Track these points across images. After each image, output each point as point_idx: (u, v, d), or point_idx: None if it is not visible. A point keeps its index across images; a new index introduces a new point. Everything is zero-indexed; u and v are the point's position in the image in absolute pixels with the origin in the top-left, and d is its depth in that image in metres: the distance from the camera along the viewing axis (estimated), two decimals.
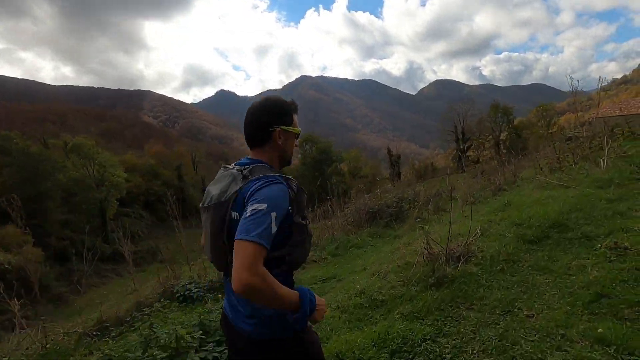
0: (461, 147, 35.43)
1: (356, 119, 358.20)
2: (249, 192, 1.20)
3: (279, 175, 1.26)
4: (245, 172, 1.27)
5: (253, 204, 1.15)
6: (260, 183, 1.21)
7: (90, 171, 31.99)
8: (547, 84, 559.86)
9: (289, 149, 1.41)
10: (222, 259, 1.27)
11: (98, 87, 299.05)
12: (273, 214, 1.15)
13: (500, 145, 31.93)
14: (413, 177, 27.94)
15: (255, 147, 1.38)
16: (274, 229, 1.15)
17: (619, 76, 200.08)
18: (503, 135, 32.92)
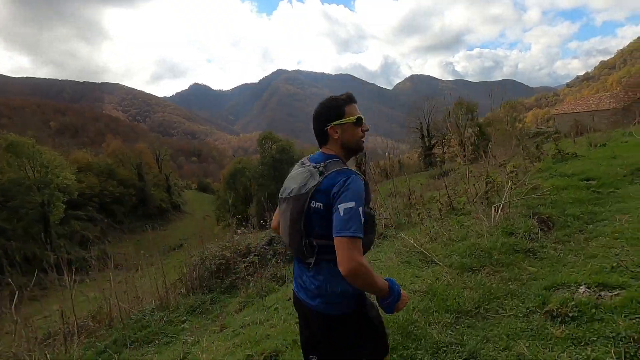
0: (426, 144, 35.30)
1: None
2: (335, 190, 1.35)
3: (354, 171, 1.41)
4: (320, 168, 1.43)
5: (343, 203, 1.31)
6: (343, 179, 1.36)
7: (29, 172, 29.24)
8: (517, 80, 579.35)
9: (350, 138, 1.51)
10: (298, 242, 1.43)
11: (62, 80, 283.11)
12: (360, 209, 1.32)
13: (465, 143, 31.92)
14: (379, 176, 27.43)
15: (322, 145, 1.54)
16: (363, 219, 1.33)
17: (582, 73, 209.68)
18: (467, 132, 32.84)
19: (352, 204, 1.30)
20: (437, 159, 28.84)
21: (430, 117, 36.11)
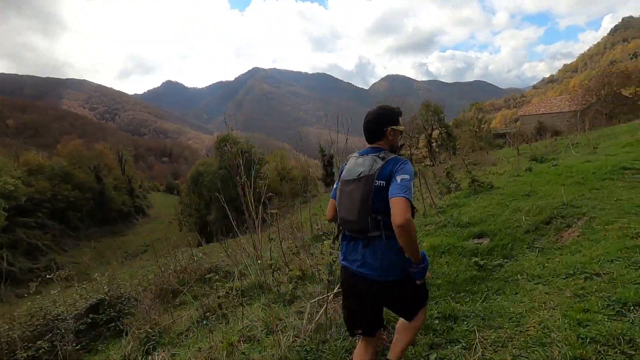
0: None
1: (310, 112, 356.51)
2: (395, 168, 1.75)
3: (405, 158, 1.84)
4: (381, 155, 1.82)
5: (401, 174, 1.72)
6: (401, 162, 1.78)
7: None
8: (488, 81, 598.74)
9: (395, 141, 1.97)
10: (366, 218, 1.76)
11: (23, 75, 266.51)
12: (412, 182, 1.71)
13: (433, 144, 31.92)
14: None
15: (375, 141, 1.94)
16: (413, 190, 1.71)
17: (547, 75, 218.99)
18: (435, 134, 32.91)
19: (407, 177, 1.72)
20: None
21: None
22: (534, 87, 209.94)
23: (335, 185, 2.09)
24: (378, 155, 1.81)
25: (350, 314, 1.98)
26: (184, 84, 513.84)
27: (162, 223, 41.27)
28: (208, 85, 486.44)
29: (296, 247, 4.36)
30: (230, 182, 29.26)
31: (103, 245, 34.57)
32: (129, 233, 41.30)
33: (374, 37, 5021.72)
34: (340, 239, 2.00)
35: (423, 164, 28.25)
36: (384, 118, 1.92)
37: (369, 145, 1.94)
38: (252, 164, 29.98)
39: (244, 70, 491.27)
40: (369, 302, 1.88)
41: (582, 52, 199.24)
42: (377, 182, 1.74)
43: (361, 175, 1.79)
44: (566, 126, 29.71)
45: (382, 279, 1.79)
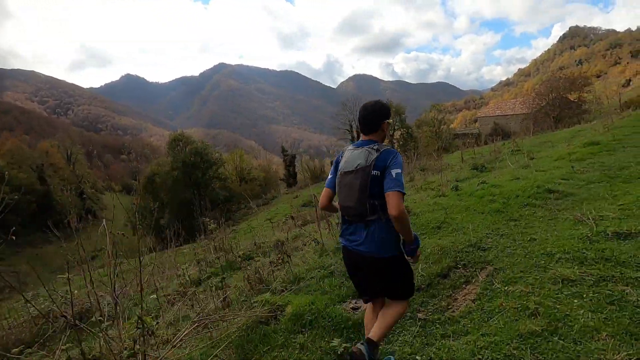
0: None
1: (277, 110, 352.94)
2: (389, 160, 1.97)
3: (396, 150, 2.09)
4: (376, 147, 2.02)
5: (395, 168, 1.94)
6: (393, 154, 2.00)
7: None
8: (450, 83, 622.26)
9: (386, 133, 2.18)
10: (364, 204, 1.99)
11: None
12: (403, 173, 1.97)
13: (395, 145, 32.27)
14: (309, 178, 26.45)
15: (370, 133, 2.14)
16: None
17: (504, 79, 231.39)
18: (397, 135, 33.36)
19: (400, 170, 1.95)
20: None
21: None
22: (492, 89, 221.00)
23: (330, 176, 2.26)
24: (372, 147, 2.02)
25: (357, 284, 2.31)
26: (145, 78, 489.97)
27: (118, 226, 38.85)
28: (171, 80, 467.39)
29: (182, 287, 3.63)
30: (183, 183, 28.00)
31: (46, 253, 31.85)
32: (78, 238, 38.39)
33: (342, 36, 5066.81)
34: (340, 223, 2.26)
35: None
36: (380, 112, 2.12)
37: (363, 138, 2.15)
38: (209, 164, 28.75)
39: (210, 66, 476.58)
40: (369, 275, 2.14)
41: (535, 57, 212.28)
42: (374, 172, 1.96)
43: (359, 167, 1.99)
44: (519, 127, 31.12)
45: (379, 255, 2.03)
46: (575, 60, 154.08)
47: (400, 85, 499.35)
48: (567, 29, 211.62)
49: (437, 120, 35.16)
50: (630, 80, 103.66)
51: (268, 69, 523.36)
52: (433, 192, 6.93)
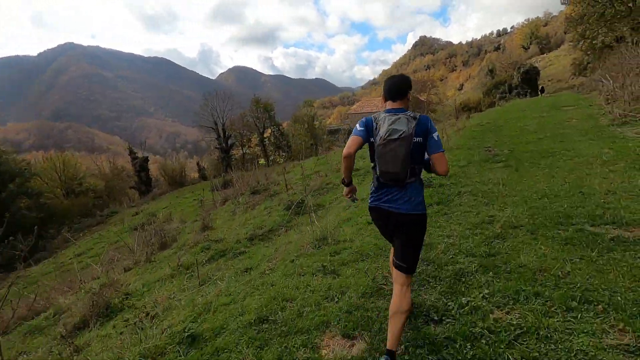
0: (222, 145, 32.07)
1: (148, 101, 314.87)
2: (428, 125, 2.18)
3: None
4: (412, 115, 2.18)
5: (434, 132, 2.17)
6: (429, 120, 2.21)
7: None
8: (327, 79, 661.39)
9: (409, 101, 2.39)
10: (407, 169, 2.16)
11: None
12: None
13: (266, 143, 31.27)
14: (166, 184, 22.97)
15: (398, 99, 2.32)
16: None
17: (371, 78, 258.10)
18: (267, 133, 32.27)
19: (437, 133, 2.20)
20: (238, 161, 26.83)
21: (225, 115, 33.31)
22: (362, 87, 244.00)
23: (361, 128, 2.30)
24: (409, 115, 2.18)
25: (389, 234, 2.45)
26: None
27: None
28: None
29: None
30: None
31: None
32: None
33: (216, 23, 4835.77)
34: (372, 186, 2.43)
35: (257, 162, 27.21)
36: (407, 82, 2.37)
37: (392, 105, 2.32)
38: (9, 177, 21.49)
39: (53, 45, 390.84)
40: (400, 230, 2.31)
41: (395, 60, 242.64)
42: (415, 139, 2.14)
43: (403, 135, 2.12)
44: None
45: (413, 212, 2.24)
46: (425, 65, 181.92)
47: (281, 79, 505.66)
48: (418, 38, 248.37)
49: (310, 116, 35.53)
50: (463, 84, 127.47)
51: (133, 53, 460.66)
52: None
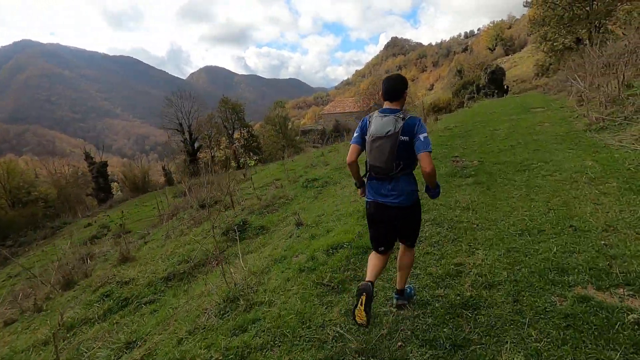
0: (188, 148, 30.51)
1: (115, 102, 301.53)
2: (415, 126, 2.35)
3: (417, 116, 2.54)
4: (401, 115, 2.38)
5: (422, 133, 2.32)
6: (418, 120, 2.38)
7: None
8: (301, 79, 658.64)
9: (405, 101, 2.56)
10: (392, 164, 2.38)
11: None
12: (429, 135, 2.36)
13: (236, 145, 30.18)
14: (127, 190, 21.53)
15: (395, 100, 2.49)
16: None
17: (345, 78, 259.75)
18: (237, 134, 31.16)
19: (426, 134, 2.33)
20: (205, 164, 25.53)
21: (191, 116, 31.87)
22: (336, 87, 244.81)
23: (356, 134, 2.57)
24: (398, 116, 2.38)
25: (377, 236, 2.65)
26: None
27: None
28: None
29: None
30: None
31: None
32: None
33: (185, 21, 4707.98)
34: (367, 181, 2.63)
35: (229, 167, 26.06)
36: (403, 83, 2.52)
37: (388, 105, 2.50)
38: None
39: (8, 42, 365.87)
40: (392, 224, 2.55)
41: (368, 61, 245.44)
42: (402, 137, 2.34)
43: (389, 133, 2.35)
44: (354, 125, 33.72)
45: (404, 204, 2.47)
46: (397, 66, 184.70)
47: (254, 79, 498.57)
48: (390, 39, 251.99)
49: (282, 117, 34.75)
50: (433, 84, 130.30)
51: (97, 52, 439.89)
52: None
